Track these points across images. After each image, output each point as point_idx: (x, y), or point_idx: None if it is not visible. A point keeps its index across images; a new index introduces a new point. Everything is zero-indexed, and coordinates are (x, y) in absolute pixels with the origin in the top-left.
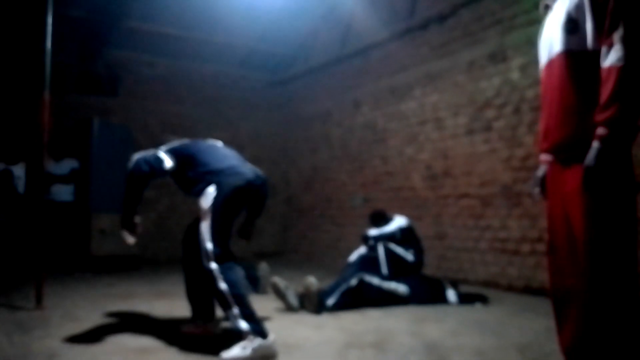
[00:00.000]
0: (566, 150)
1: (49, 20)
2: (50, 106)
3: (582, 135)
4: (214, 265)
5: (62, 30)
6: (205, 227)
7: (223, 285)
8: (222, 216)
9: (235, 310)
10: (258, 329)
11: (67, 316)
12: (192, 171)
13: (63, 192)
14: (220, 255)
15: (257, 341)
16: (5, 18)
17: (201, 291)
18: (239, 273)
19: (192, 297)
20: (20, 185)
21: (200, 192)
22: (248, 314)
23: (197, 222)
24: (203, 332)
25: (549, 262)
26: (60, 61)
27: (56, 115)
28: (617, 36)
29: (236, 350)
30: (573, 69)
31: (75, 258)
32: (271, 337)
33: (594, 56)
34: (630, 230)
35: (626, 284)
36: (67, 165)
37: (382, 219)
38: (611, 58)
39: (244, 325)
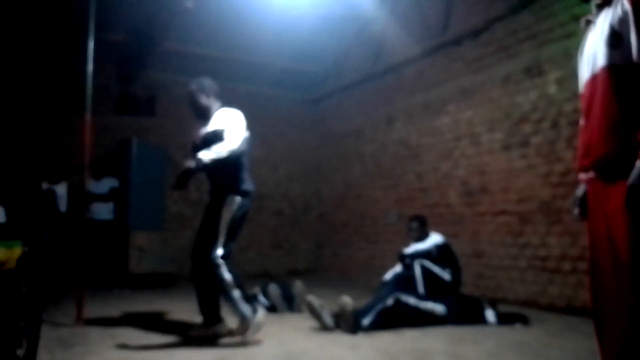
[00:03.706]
0: (610, 167)
1: (91, 45)
2: (91, 127)
3: (626, 151)
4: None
5: (102, 53)
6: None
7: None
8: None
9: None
10: (255, 308)
11: (106, 333)
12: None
13: (103, 211)
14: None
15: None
16: (49, 43)
17: (209, 295)
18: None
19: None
20: (62, 204)
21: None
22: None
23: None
24: (211, 335)
25: (590, 281)
26: (100, 83)
27: (96, 135)
28: None
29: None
30: (617, 84)
31: (114, 275)
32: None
33: (639, 70)
34: None
35: None
36: (107, 184)
37: (424, 223)
38: None
39: (245, 308)
